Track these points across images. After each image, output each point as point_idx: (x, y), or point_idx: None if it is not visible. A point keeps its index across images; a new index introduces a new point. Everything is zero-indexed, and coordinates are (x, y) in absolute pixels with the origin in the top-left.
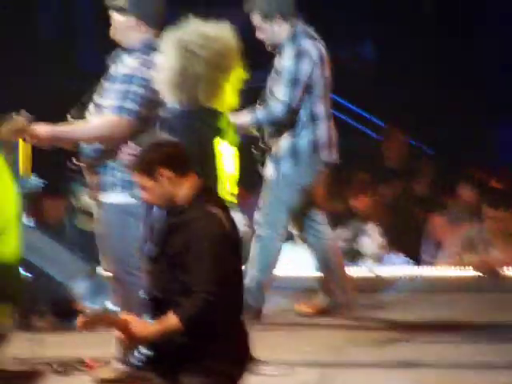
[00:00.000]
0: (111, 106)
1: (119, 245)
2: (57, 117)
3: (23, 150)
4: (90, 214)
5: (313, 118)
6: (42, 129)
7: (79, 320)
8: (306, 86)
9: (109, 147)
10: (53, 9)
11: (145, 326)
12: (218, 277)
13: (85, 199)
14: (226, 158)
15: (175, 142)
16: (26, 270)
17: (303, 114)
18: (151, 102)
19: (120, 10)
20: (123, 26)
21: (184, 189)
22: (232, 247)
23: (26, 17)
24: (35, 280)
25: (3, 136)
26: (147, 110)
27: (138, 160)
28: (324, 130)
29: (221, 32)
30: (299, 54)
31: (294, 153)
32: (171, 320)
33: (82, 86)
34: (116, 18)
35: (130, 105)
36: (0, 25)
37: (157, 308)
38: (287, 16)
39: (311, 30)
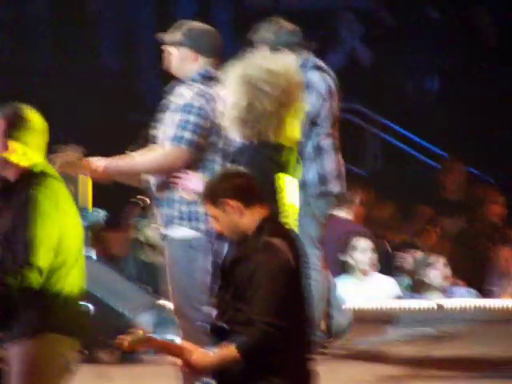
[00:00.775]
0: (169, 137)
1: (185, 279)
2: (117, 146)
3: (86, 183)
4: (153, 247)
5: (319, 151)
6: (99, 162)
7: (122, 339)
8: (312, 120)
9: (171, 179)
10: (116, 39)
11: (204, 355)
12: (277, 308)
13: (148, 232)
14: (291, 192)
15: (245, 172)
16: (90, 303)
17: (309, 148)
18: (208, 131)
19: (176, 43)
20: (179, 58)
21: (252, 220)
22: (293, 278)
23: (90, 47)
24: (100, 313)
25: (58, 169)
26: (205, 140)
27: (206, 189)
28: (331, 162)
29: (285, 66)
30: (306, 87)
31: (303, 186)
32: (230, 350)
33: (143, 117)
34: (172, 51)
35: (188, 135)
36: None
37: (221, 338)
38: (295, 48)
39: (321, 62)
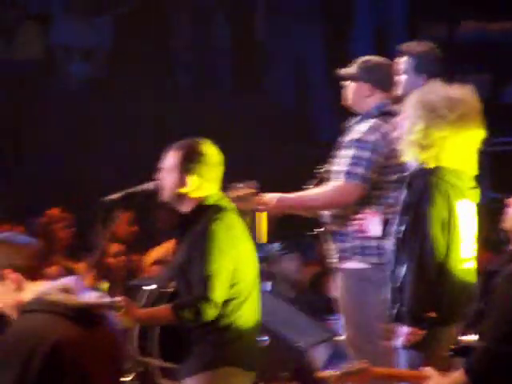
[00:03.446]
0: (340, 172)
1: (358, 311)
2: (295, 184)
3: (261, 216)
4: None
5: None
6: (271, 197)
7: (332, 375)
8: None
9: (345, 213)
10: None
11: (440, 379)
12: (504, 334)
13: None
14: (468, 218)
15: None
16: (265, 336)
17: None
18: (381, 166)
19: (352, 77)
20: (357, 93)
21: None
22: None
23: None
24: (275, 346)
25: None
26: (377, 175)
27: None
28: None
29: (465, 95)
30: None
31: None
32: (460, 373)
33: (319, 154)
34: (349, 85)
35: (358, 170)
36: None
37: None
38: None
39: None
